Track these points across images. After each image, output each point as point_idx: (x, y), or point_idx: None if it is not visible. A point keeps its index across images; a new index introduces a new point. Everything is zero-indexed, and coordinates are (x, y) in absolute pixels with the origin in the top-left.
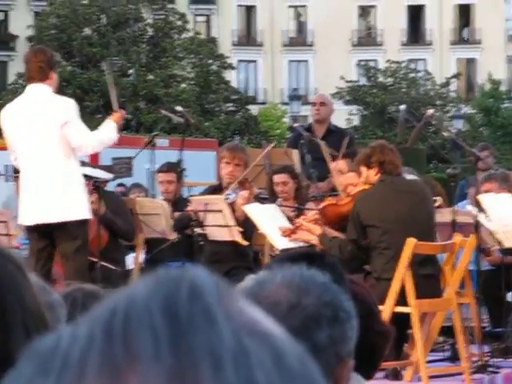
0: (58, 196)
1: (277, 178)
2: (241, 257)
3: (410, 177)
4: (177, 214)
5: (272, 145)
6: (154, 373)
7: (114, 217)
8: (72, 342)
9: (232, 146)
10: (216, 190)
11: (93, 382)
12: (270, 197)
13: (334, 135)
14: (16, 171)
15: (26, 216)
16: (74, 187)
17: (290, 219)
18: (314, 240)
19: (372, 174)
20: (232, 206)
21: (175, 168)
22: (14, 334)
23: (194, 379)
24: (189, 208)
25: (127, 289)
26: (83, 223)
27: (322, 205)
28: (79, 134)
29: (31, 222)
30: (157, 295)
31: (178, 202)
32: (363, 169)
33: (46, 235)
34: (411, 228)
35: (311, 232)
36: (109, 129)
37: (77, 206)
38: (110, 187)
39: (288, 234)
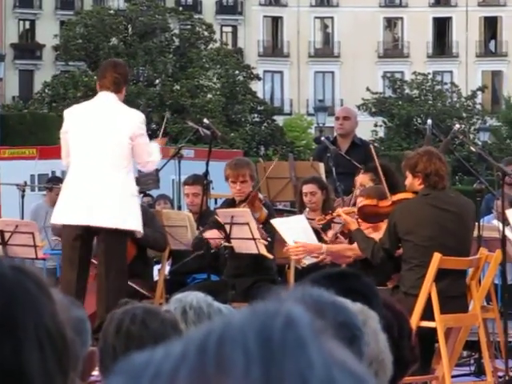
0: (115, 203)
1: (305, 188)
2: (264, 270)
3: None
4: (205, 229)
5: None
6: None
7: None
8: (165, 358)
9: (233, 163)
10: (231, 204)
11: None
12: (299, 208)
13: (358, 149)
14: (50, 180)
15: (74, 216)
16: (131, 199)
17: (317, 231)
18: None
19: (416, 184)
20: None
21: (201, 181)
22: (25, 349)
23: None
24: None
25: (224, 316)
26: (131, 235)
27: (361, 203)
28: (150, 149)
29: (81, 222)
30: (252, 321)
31: (204, 215)
32: (408, 175)
33: (87, 242)
34: (446, 247)
35: (348, 225)
36: (157, 149)
37: (132, 217)
38: None
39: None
